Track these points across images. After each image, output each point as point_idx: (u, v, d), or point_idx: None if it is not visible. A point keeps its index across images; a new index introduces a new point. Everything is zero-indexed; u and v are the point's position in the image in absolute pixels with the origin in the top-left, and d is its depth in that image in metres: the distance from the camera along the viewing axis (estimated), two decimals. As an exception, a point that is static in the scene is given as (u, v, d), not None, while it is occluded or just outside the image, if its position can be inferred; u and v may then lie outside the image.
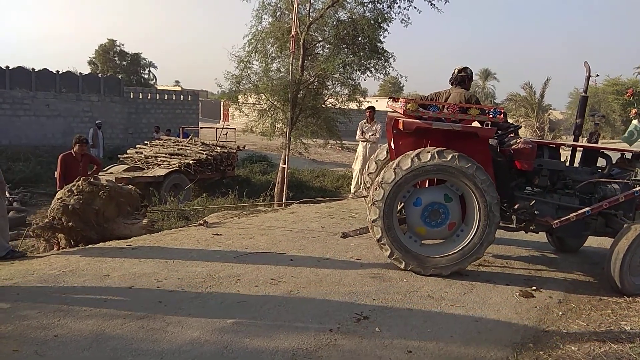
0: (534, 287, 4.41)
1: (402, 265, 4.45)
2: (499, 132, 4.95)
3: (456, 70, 5.28)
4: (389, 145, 5.10)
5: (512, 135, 5.10)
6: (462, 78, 5.24)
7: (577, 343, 3.39)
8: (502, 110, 4.41)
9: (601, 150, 5.33)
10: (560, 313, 3.92)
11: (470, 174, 4.26)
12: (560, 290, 4.44)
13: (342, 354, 2.99)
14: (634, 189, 4.72)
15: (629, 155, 5.15)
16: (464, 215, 4.55)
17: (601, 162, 5.28)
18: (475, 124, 4.54)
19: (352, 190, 10.29)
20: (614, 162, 5.21)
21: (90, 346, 2.87)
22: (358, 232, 5.11)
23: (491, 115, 4.36)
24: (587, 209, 4.67)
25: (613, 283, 4.43)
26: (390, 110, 5.28)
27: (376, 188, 4.40)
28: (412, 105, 4.38)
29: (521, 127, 5.82)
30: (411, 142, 4.54)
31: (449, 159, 4.26)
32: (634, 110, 5.92)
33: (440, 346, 3.19)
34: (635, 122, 5.88)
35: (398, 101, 4.82)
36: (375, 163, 5.71)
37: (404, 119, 4.42)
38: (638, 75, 57.01)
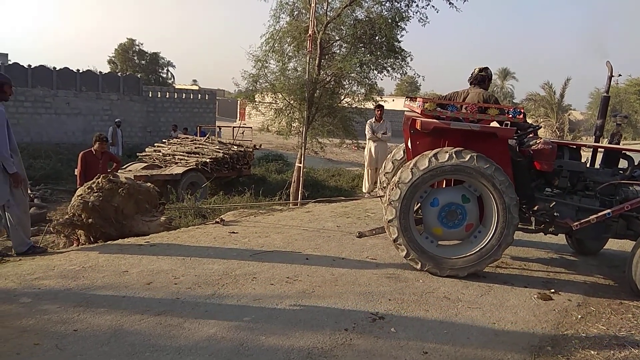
0: (553, 290, 4.34)
1: (419, 266, 4.42)
2: (519, 132, 4.89)
3: (476, 70, 5.22)
4: (406, 145, 5.08)
5: (531, 135, 5.03)
6: (482, 78, 5.19)
7: (597, 347, 3.33)
8: (522, 110, 4.35)
9: (623, 152, 5.23)
10: (579, 316, 3.85)
11: (488, 174, 4.21)
12: (579, 293, 4.37)
13: (358, 354, 2.99)
14: None
15: None
16: (482, 217, 4.50)
17: (622, 163, 5.18)
18: (494, 124, 4.48)
19: (364, 190, 10.26)
20: (636, 163, 5.10)
21: (108, 341, 2.91)
22: (374, 232, 5.10)
23: (511, 115, 4.31)
24: (608, 210, 4.57)
25: (634, 286, 4.35)
26: (408, 109, 5.25)
27: (393, 188, 4.38)
28: (430, 105, 4.34)
29: (541, 127, 5.77)
30: (429, 142, 4.51)
31: (467, 159, 4.22)
32: None
33: (457, 348, 3.16)
34: None
35: (416, 100, 4.79)
36: (392, 163, 5.68)
37: (422, 119, 4.39)
38: (662, 75, 55.70)
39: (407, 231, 4.34)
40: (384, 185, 5.69)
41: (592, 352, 3.25)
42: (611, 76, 5.37)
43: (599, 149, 5.29)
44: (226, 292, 3.77)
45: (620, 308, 4.11)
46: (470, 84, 5.25)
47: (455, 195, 4.46)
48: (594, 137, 5.67)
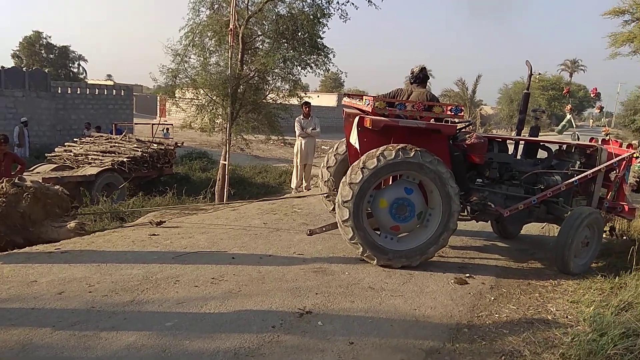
0: (468, 274, 4.61)
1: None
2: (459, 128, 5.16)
3: (417, 69, 5.40)
4: (347, 140, 5.17)
5: (464, 130, 5.32)
6: (424, 77, 5.40)
7: (508, 326, 3.58)
8: (462, 108, 4.61)
9: (542, 143, 5.71)
10: (493, 298, 4.12)
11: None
12: (492, 276, 4.67)
13: (285, 350, 2.99)
14: (574, 179, 5.12)
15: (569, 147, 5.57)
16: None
17: (541, 153, 5.68)
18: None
19: (293, 186, 10.28)
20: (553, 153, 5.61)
21: (16, 357, 2.69)
22: (324, 228, 5.10)
23: (453, 113, 4.55)
24: (534, 197, 5.05)
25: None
26: (348, 106, 5.36)
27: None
28: (380, 104, 4.48)
29: (473, 122, 6.19)
30: (376, 139, 4.60)
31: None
32: (568, 106, 6.57)
33: (381, 336, 3.26)
34: (569, 116, 6.51)
35: (362, 99, 4.92)
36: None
37: (372, 117, 4.49)
38: (561, 72, 61.15)
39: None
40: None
41: (505, 331, 3.49)
42: (531, 74, 5.83)
43: (521, 141, 5.73)
44: (146, 298, 3.61)
45: (529, 288, 4.45)
46: (412, 83, 5.41)
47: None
48: (515, 130, 6.12)
